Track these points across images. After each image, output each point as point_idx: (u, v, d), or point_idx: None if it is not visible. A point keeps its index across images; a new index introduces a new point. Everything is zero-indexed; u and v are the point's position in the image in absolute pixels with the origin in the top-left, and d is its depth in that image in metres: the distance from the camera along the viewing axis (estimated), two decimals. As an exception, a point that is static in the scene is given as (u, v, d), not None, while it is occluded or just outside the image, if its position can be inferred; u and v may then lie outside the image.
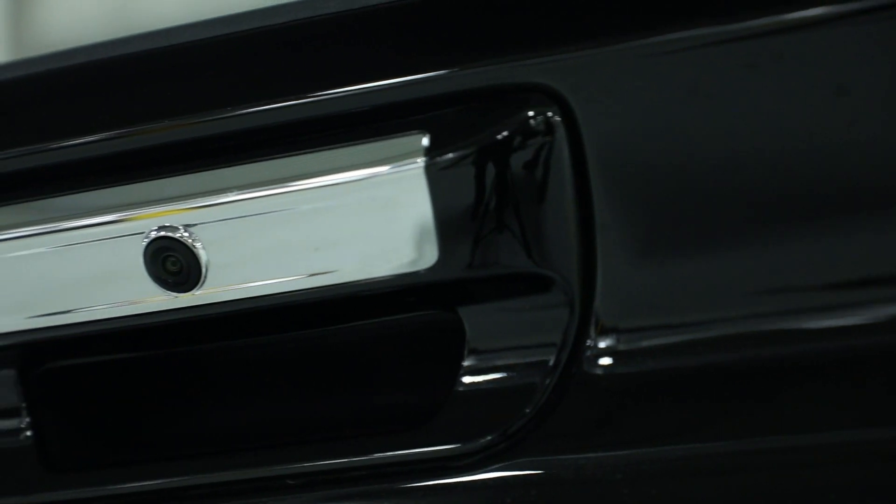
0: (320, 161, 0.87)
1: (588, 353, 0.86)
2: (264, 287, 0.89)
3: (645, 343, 0.85)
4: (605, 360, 0.85)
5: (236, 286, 0.89)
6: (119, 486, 0.95)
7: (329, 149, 0.86)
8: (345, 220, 0.86)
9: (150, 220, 0.89)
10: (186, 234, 0.89)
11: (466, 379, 0.88)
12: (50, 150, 0.91)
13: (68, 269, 0.91)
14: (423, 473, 0.88)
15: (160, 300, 0.91)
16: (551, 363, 0.86)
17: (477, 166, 0.84)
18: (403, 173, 0.84)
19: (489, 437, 0.87)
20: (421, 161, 0.84)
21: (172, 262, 0.89)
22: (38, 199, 0.91)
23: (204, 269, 0.89)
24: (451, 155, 0.84)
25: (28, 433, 0.97)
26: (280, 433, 0.93)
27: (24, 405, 0.97)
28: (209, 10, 0.89)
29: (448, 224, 0.85)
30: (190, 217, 0.89)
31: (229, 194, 0.88)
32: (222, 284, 0.89)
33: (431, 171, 0.84)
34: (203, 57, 0.90)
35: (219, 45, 0.89)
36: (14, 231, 0.92)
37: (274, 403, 0.96)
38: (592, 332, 0.86)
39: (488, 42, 0.84)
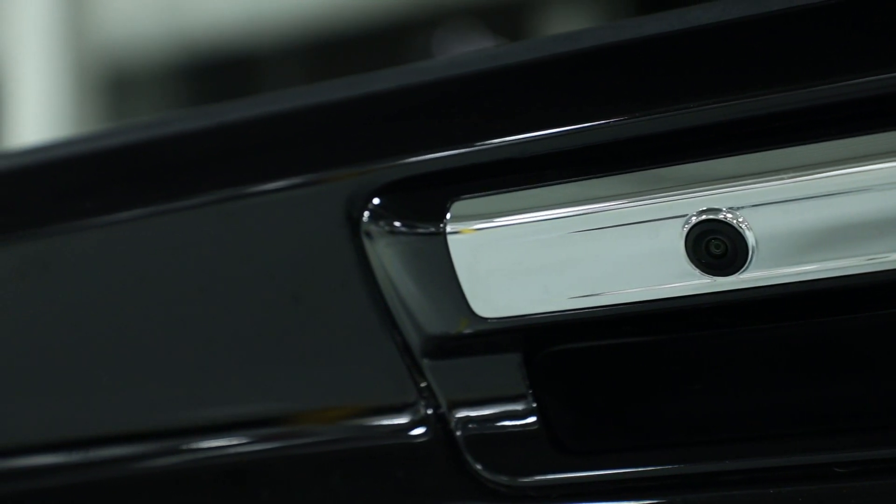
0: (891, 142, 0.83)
1: None
2: (816, 271, 0.85)
3: None
4: None
5: (784, 270, 0.86)
6: (642, 470, 0.92)
7: None
8: None
9: (694, 201, 0.86)
10: (731, 216, 0.85)
11: None
12: (593, 130, 0.88)
13: (601, 251, 0.89)
14: None
15: (697, 283, 0.88)
16: None
17: None
18: None
19: None
20: None
21: (716, 244, 0.86)
22: (576, 181, 0.88)
23: (751, 253, 0.86)
24: None
25: (534, 417, 0.95)
26: (826, 420, 0.90)
27: (529, 390, 0.95)
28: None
29: None
30: (736, 199, 0.85)
31: (785, 176, 0.84)
32: (768, 268, 0.86)
33: None
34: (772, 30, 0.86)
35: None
36: (546, 213, 0.89)
37: (812, 389, 0.92)
38: None
39: None
